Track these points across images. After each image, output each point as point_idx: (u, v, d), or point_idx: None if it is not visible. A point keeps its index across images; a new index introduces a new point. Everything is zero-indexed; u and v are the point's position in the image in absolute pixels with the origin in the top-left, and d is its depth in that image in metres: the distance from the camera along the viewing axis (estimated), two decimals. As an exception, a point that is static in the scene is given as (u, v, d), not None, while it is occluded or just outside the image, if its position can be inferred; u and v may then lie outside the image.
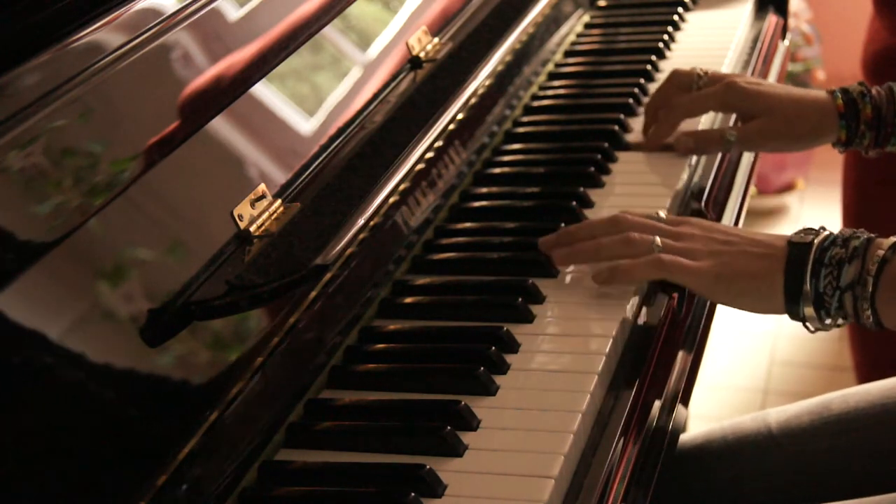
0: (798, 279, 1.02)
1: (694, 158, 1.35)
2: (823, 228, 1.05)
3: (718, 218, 1.28)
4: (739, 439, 1.24)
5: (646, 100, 1.49)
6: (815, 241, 1.03)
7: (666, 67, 1.59)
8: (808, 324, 1.04)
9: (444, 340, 1.05)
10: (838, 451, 1.21)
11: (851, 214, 2.20)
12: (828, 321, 1.03)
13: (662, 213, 1.13)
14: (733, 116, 1.41)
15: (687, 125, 1.36)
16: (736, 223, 1.32)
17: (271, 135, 1.06)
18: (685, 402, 1.07)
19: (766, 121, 1.30)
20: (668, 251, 1.07)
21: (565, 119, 1.46)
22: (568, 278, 1.12)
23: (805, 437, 1.22)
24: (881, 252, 0.99)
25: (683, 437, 1.27)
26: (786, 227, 3.17)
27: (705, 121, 1.41)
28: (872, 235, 1.02)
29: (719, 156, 1.38)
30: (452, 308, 1.09)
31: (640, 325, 1.08)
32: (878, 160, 2.04)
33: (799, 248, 1.03)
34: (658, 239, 1.08)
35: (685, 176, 1.31)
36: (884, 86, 1.29)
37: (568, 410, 0.93)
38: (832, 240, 1.02)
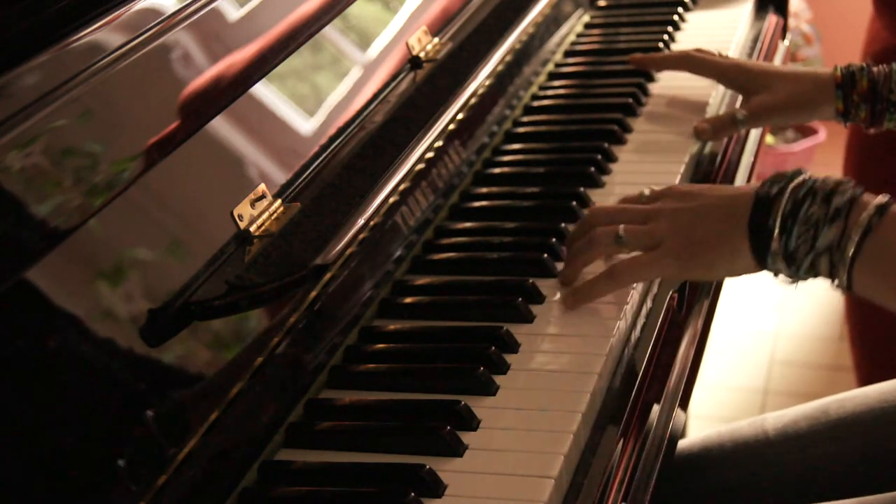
0: (764, 238, 0.96)
1: (694, 156, 1.35)
2: (799, 172, 0.98)
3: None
4: (737, 445, 1.24)
5: (646, 100, 1.50)
6: (787, 190, 0.96)
7: (666, 67, 1.59)
8: (780, 277, 0.98)
9: (444, 340, 1.05)
10: (836, 457, 1.21)
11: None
12: (799, 278, 0.97)
13: (647, 190, 1.09)
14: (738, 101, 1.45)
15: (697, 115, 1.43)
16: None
17: (271, 135, 1.06)
18: (684, 404, 1.07)
19: (768, 95, 1.36)
20: (629, 238, 1.04)
21: (565, 119, 1.46)
22: (568, 278, 1.12)
23: (802, 442, 1.22)
24: (865, 216, 0.93)
25: (681, 444, 1.27)
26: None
27: (714, 105, 1.46)
28: (857, 192, 0.95)
29: (719, 155, 1.38)
30: (452, 308, 1.09)
31: (640, 325, 1.08)
32: (878, 161, 2.03)
33: (764, 203, 0.96)
34: (622, 228, 1.04)
35: (685, 177, 1.31)
36: (887, 65, 1.33)
37: (568, 410, 0.93)
38: (809, 189, 0.95)
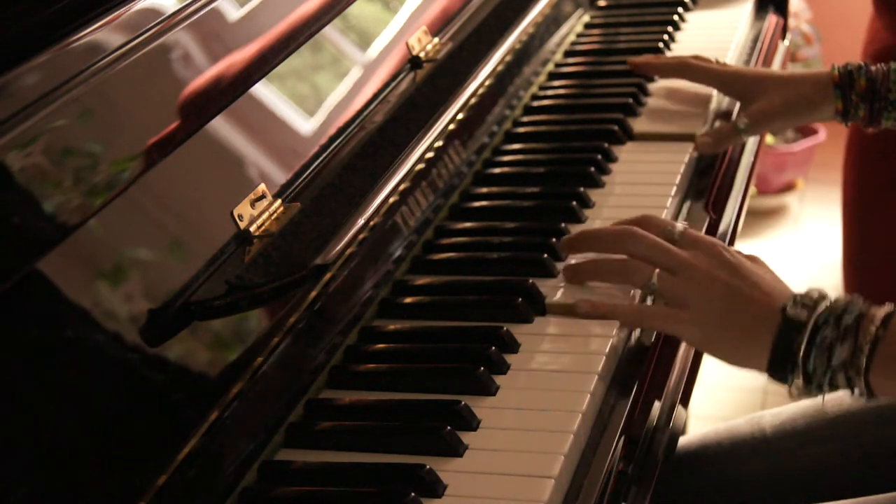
0: (787, 358, 0.98)
1: (694, 156, 1.35)
2: (823, 297, 0.99)
3: (718, 218, 1.29)
4: (734, 443, 1.24)
5: (646, 99, 1.50)
6: (811, 320, 0.97)
7: (666, 67, 1.59)
8: (792, 390, 1.01)
9: (444, 340, 1.05)
10: (833, 454, 1.21)
11: (851, 214, 2.20)
12: (816, 393, 1.00)
13: (680, 226, 1.07)
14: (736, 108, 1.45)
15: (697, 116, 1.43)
16: (735, 224, 1.33)
17: (271, 135, 1.06)
18: (685, 402, 1.07)
19: (767, 100, 1.36)
20: (662, 288, 1.04)
21: (565, 119, 1.46)
22: (568, 278, 1.12)
23: (800, 440, 1.22)
24: (873, 329, 0.95)
25: (679, 442, 1.27)
26: (786, 227, 3.17)
27: (713, 107, 1.46)
28: (864, 309, 0.97)
29: (719, 155, 1.38)
30: (452, 308, 1.09)
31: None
32: (878, 161, 2.03)
33: (792, 327, 0.98)
34: (656, 275, 1.04)
35: (685, 176, 1.31)
36: (885, 64, 1.33)
37: (568, 410, 0.93)
38: (825, 318, 0.97)
